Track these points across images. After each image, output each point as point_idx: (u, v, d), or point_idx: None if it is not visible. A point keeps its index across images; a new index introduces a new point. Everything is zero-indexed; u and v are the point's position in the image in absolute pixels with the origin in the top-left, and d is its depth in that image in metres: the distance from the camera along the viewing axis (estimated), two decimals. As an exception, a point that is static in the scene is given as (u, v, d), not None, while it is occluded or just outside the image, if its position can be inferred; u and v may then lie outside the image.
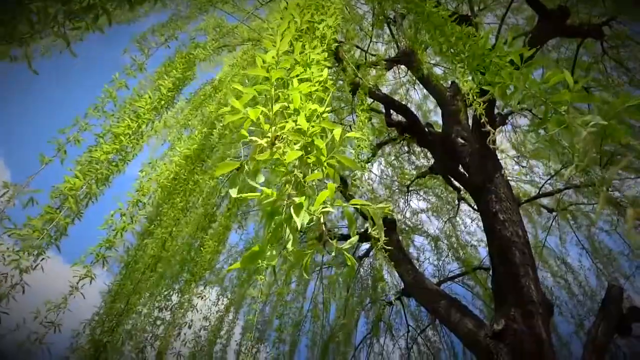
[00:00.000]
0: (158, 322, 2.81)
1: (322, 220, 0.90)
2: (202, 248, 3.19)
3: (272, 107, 1.03)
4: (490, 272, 4.33)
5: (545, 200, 6.25)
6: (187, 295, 3.03)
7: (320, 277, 6.55)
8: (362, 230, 6.00)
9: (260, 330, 5.39)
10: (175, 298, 2.97)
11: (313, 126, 1.00)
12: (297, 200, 0.88)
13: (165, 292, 2.95)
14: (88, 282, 1.80)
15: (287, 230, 0.86)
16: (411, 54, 4.71)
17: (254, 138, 1.00)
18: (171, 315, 2.94)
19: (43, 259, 1.68)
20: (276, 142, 0.98)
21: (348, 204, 0.97)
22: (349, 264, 1.00)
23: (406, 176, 6.91)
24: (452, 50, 1.76)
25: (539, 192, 5.70)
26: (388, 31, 5.54)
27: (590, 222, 6.22)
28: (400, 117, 5.33)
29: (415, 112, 5.54)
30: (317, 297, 6.47)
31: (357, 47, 5.18)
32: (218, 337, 4.98)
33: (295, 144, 0.98)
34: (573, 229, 6.38)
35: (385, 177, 6.88)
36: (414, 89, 6.92)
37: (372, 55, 5.30)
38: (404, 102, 6.04)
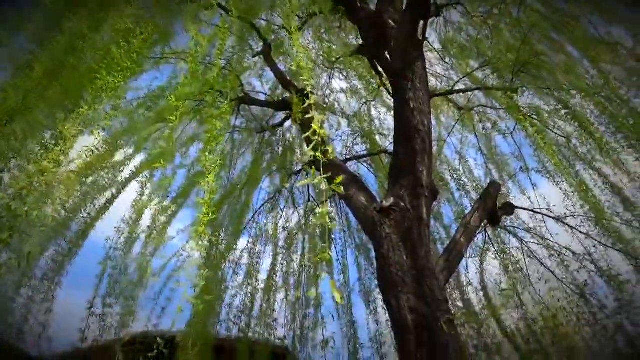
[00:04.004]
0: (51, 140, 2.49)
1: None
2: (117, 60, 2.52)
3: None
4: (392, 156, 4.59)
5: (455, 98, 6.54)
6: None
7: (232, 140, 6.57)
8: (280, 98, 6.00)
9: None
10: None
11: None
12: None
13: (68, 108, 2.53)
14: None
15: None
16: None
17: None
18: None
19: None
20: None
21: None
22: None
23: (332, 53, 6.78)
24: None
25: (452, 88, 5.93)
26: None
27: (491, 125, 6.67)
28: (335, -13, 5.10)
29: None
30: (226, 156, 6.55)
31: None
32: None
33: None
34: (475, 129, 6.82)
35: (311, 49, 6.70)
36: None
37: None
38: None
